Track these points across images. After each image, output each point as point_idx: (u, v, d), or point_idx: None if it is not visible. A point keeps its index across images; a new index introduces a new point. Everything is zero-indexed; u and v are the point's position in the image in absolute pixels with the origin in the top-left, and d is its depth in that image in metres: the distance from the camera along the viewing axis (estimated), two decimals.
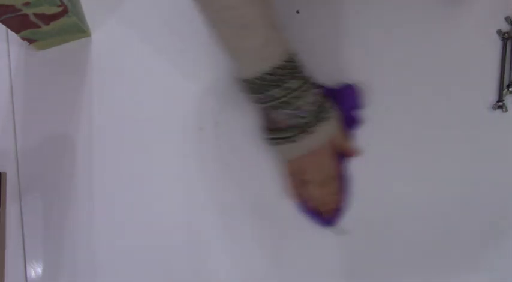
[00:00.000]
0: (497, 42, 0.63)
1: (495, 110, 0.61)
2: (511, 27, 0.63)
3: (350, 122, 0.60)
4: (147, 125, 0.63)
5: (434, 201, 0.59)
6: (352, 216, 0.59)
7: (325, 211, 0.58)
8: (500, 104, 0.61)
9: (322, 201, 0.58)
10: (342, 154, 0.59)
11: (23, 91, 0.65)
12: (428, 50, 0.63)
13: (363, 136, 0.61)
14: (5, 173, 0.62)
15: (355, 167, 0.60)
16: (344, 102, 0.59)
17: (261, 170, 0.61)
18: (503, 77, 0.62)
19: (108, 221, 0.61)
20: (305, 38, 0.64)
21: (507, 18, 0.63)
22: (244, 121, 0.62)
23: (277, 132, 0.56)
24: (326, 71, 0.61)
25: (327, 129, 0.55)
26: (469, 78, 0.62)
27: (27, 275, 0.60)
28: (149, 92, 0.64)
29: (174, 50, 0.65)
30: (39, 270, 0.60)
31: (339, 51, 0.63)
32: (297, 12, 0.65)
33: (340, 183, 0.58)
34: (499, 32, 0.63)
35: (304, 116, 0.53)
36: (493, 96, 0.62)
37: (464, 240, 0.58)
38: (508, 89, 0.61)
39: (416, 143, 0.61)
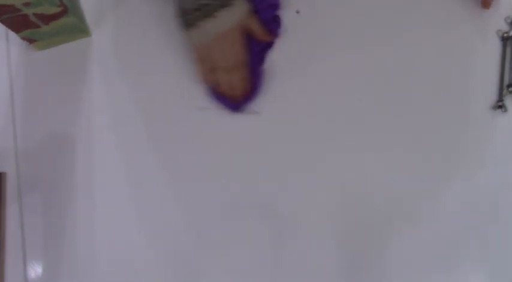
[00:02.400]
0: (497, 42, 0.63)
1: (495, 110, 0.61)
2: (511, 27, 0.63)
3: (268, 18, 0.60)
4: (147, 125, 0.63)
5: (434, 201, 0.59)
6: (352, 216, 0.59)
7: (233, 96, 0.59)
8: (500, 104, 0.61)
9: (230, 87, 0.58)
10: (256, 40, 0.59)
11: (23, 91, 0.65)
12: (428, 50, 0.63)
13: (364, 134, 0.61)
14: (5, 173, 0.62)
15: (356, 167, 0.60)
16: (262, 8, 0.60)
17: (261, 170, 0.61)
18: (503, 77, 0.62)
19: (108, 220, 0.61)
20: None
21: (507, 18, 0.63)
22: (243, 120, 0.62)
23: (183, 17, 0.56)
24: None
25: (233, 14, 0.55)
26: (469, 78, 0.62)
27: (27, 275, 0.60)
28: (149, 92, 0.64)
29: (174, 50, 0.65)
30: (39, 270, 0.60)
31: (337, 50, 0.64)
32: (297, 12, 0.65)
33: (249, 68, 0.59)
34: (499, 32, 0.63)
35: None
36: (493, 96, 0.62)
37: (464, 240, 0.58)
38: (508, 89, 0.61)
39: (416, 143, 0.61)
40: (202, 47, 0.57)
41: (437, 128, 0.61)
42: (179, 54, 0.64)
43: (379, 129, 0.61)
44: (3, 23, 0.58)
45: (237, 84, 0.59)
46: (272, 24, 0.61)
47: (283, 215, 0.60)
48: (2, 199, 0.61)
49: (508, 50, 0.62)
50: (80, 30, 0.65)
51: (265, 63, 0.60)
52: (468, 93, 0.62)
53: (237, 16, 0.56)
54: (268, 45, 0.62)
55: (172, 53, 0.65)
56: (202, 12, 0.54)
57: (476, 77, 0.62)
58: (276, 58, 0.63)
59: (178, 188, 0.61)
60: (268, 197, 0.60)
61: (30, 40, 0.63)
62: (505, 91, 0.61)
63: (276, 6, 0.61)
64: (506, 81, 0.62)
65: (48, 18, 0.60)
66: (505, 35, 0.63)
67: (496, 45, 0.63)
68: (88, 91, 0.64)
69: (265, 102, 0.62)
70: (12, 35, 0.63)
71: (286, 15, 0.65)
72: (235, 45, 0.57)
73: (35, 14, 0.58)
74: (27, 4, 0.56)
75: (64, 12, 0.60)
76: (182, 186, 0.61)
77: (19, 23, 0.59)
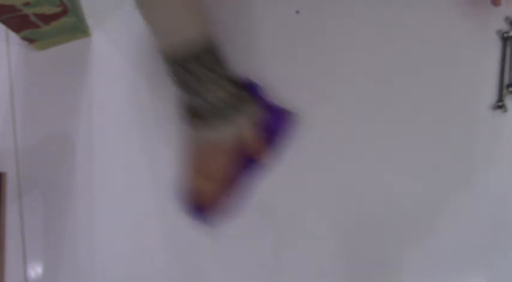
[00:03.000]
0: (497, 42, 0.63)
1: (495, 110, 0.61)
2: (511, 27, 0.63)
3: (272, 140, 0.59)
4: (147, 125, 0.63)
5: (434, 201, 0.59)
6: (352, 216, 0.59)
7: (201, 204, 0.58)
8: (500, 104, 0.61)
9: (201, 193, 0.57)
10: (251, 158, 0.58)
11: (23, 91, 0.65)
12: (428, 50, 0.63)
13: (364, 134, 0.61)
14: (5, 173, 0.62)
15: (356, 167, 0.60)
16: (275, 122, 0.59)
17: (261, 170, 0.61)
18: (503, 77, 0.62)
19: (108, 221, 0.61)
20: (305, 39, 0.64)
21: (507, 18, 0.63)
22: None
23: (187, 115, 0.56)
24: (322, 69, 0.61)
25: (231, 130, 0.55)
26: (469, 78, 0.62)
27: (27, 275, 0.60)
28: (149, 92, 0.64)
29: None
30: (39, 270, 0.60)
31: (337, 51, 0.64)
32: (297, 12, 0.65)
33: (230, 184, 0.58)
34: (499, 32, 0.63)
35: (209, 108, 0.53)
36: (493, 96, 0.62)
37: (465, 240, 0.58)
38: (508, 89, 0.61)
39: (416, 142, 0.61)
40: (194, 147, 0.57)
41: (437, 128, 0.61)
42: None
43: (379, 129, 0.61)
44: (3, 23, 0.59)
45: (209, 194, 0.58)
46: (273, 145, 0.59)
47: (283, 214, 0.60)
48: (2, 199, 0.61)
49: (508, 50, 0.62)
50: (80, 30, 0.65)
51: (249, 181, 0.59)
52: (468, 93, 0.62)
53: (237, 132, 0.55)
54: (259, 163, 0.59)
55: None
56: (202, 119, 0.54)
57: (476, 77, 0.62)
58: (277, 58, 0.63)
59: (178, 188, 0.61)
60: (268, 196, 0.60)
61: (30, 40, 0.63)
62: (505, 91, 0.61)
63: (284, 132, 0.60)
64: (506, 81, 0.62)
65: (48, 18, 0.60)
66: (505, 35, 0.63)
67: (496, 45, 0.63)
68: (88, 91, 0.64)
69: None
70: (12, 35, 0.63)
71: (286, 15, 0.65)
72: (224, 157, 0.56)
73: (35, 14, 0.58)
74: (27, 4, 0.56)
75: (64, 12, 0.60)
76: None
77: (19, 23, 0.59)
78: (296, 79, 0.63)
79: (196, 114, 0.55)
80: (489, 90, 0.62)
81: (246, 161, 0.58)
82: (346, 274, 0.58)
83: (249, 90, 0.57)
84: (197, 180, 0.58)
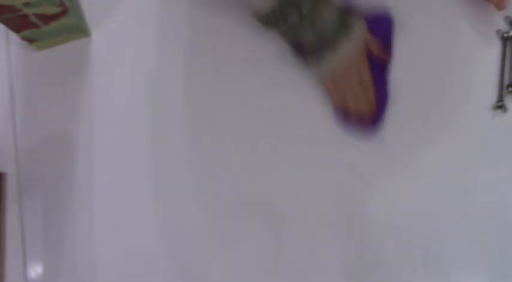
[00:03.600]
0: (497, 42, 0.63)
1: (495, 110, 0.61)
2: (511, 27, 0.63)
3: (383, 38, 0.61)
4: (146, 125, 0.63)
5: (434, 201, 0.59)
6: (352, 216, 0.59)
7: (363, 119, 0.59)
8: (500, 104, 0.61)
9: (360, 111, 0.59)
10: (377, 61, 0.60)
11: (23, 91, 0.65)
12: (428, 50, 0.63)
13: (365, 143, 0.61)
14: (5, 173, 0.62)
15: (356, 168, 0.60)
16: (380, 24, 0.61)
17: (261, 170, 0.61)
18: (503, 77, 0.62)
19: (108, 221, 0.61)
20: None
21: (507, 18, 0.63)
22: (246, 120, 0.62)
23: (307, 55, 0.58)
24: None
25: (353, 41, 0.56)
26: (469, 78, 0.62)
27: (27, 275, 0.60)
28: (149, 92, 0.64)
29: (175, 49, 0.65)
30: (39, 270, 0.60)
31: None
32: None
33: (375, 90, 0.59)
34: (499, 32, 0.63)
35: (325, 32, 0.55)
36: (493, 96, 0.62)
37: (465, 240, 0.58)
38: (508, 89, 0.61)
39: (415, 142, 0.61)
40: (330, 79, 0.59)
41: (437, 128, 0.61)
42: (178, 54, 0.64)
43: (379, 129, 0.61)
44: (3, 23, 0.59)
45: (366, 107, 0.59)
46: (387, 43, 0.61)
47: (283, 214, 0.60)
48: (2, 199, 0.61)
49: (508, 50, 0.62)
50: (80, 30, 0.65)
51: (388, 82, 0.61)
52: (468, 93, 0.61)
53: (358, 42, 0.57)
54: (387, 64, 0.61)
55: (172, 53, 0.65)
56: (324, 45, 0.56)
57: (476, 77, 0.62)
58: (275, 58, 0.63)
59: (178, 188, 0.61)
60: (268, 196, 0.60)
61: (30, 40, 0.63)
62: (505, 91, 0.61)
63: (390, 27, 0.62)
64: (506, 81, 0.62)
65: (48, 18, 0.60)
66: (505, 35, 0.62)
67: (496, 45, 0.63)
68: (88, 91, 0.64)
69: (265, 101, 0.62)
70: (12, 35, 0.63)
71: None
72: (360, 71, 0.58)
73: (35, 14, 0.58)
74: (27, 4, 0.56)
75: (64, 12, 0.60)
76: (182, 186, 0.61)
77: (19, 23, 0.59)
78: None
79: (314, 49, 0.56)
80: (489, 90, 0.62)
81: (375, 65, 0.60)
82: (346, 274, 0.58)
83: (348, 8, 0.59)
84: (350, 102, 0.59)
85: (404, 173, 0.60)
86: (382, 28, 0.61)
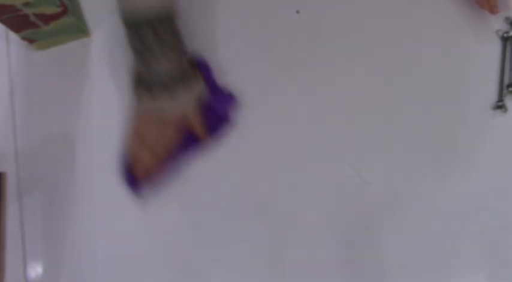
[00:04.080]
0: (497, 42, 0.63)
1: (495, 110, 0.61)
2: (511, 27, 0.63)
3: (214, 121, 0.60)
4: None
5: (434, 201, 0.59)
6: (352, 216, 0.59)
7: (135, 173, 0.58)
8: (500, 104, 0.61)
9: (138, 162, 0.58)
10: (191, 135, 0.58)
11: (23, 91, 0.65)
12: (428, 50, 0.63)
13: (363, 133, 0.61)
14: (5, 173, 0.62)
15: (355, 166, 0.60)
16: (220, 104, 0.59)
17: (261, 169, 0.61)
18: (503, 77, 0.62)
19: (108, 220, 0.61)
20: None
21: (507, 18, 0.63)
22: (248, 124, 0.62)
23: (135, 84, 0.56)
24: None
25: (175, 104, 0.55)
26: (469, 78, 0.62)
27: (27, 275, 0.60)
28: None
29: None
30: (39, 270, 0.60)
31: (337, 51, 0.64)
32: (297, 12, 0.65)
33: (167, 157, 0.58)
34: (499, 32, 0.63)
35: (155, 79, 0.54)
36: (493, 96, 0.62)
37: (465, 240, 0.58)
38: (508, 89, 0.61)
39: (415, 142, 0.61)
40: (140, 117, 0.57)
41: (437, 128, 0.61)
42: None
43: (379, 128, 0.61)
44: (3, 23, 0.58)
45: (147, 166, 0.58)
46: (216, 124, 0.60)
47: (283, 214, 0.60)
48: (2, 199, 0.61)
49: (508, 50, 0.62)
50: (80, 30, 0.65)
51: (185, 158, 0.60)
52: (468, 93, 0.62)
53: (188, 99, 0.56)
54: (199, 141, 0.60)
55: None
56: (163, 83, 0.54)
57: (476, 77, 0.62)
58: (277, 56, 0.63)
59: (178, 188, 0.61)
60: (268, 196, 0.60)
61: (30, 40, 0.63)
62: (505, 91, 0.61)
63: (225, 116, 0.60)
64: (506, 81, 0.62)
65: (48, 18, 0.60)
66: (505, 35, 0.63)
67: (496, 45, 0.63)
68: (88, 91, 0.64)
69: (265, 100, 0.62)
70: (12, 35, 0.63)
71: (286, 15, 0.65)
72: (168, 131, 0.57)
73: (35, 14, 0.58)
74: (27, 4, 0.56)
75: (64, 12, 0.60)
76: (182, 185, 0.61)
77: (19, 23, 0.59)
78: (296, 78, 0.63)
79: (142, 84, 0.55)
80: (489, 90, 0.62)
81: (186, 138, 0.59)
82: (346, 274, 0.58)
83: (199, 68, 0.58)
84: (136, 149, 0.58)
85: (405, 173, 0.60)
86: (219, 107, 0.59)
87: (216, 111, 0.59)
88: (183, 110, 0.56)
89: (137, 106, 0.57)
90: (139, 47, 0.54)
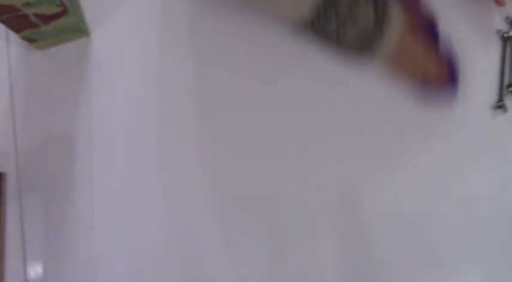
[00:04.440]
0: (497, 42, 0.63)
1: (495, 110, 0.61)
2: (511, 27, 0.63)
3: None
4: (147, 125, 0.63)
5: (434, 201, 0.59)
6: (352, 216, 0.59)
7: (439, 82, 0.59)
8: (500, 104, 0.61)
9: (433, 75, 0.58)
10: (424, 26, 0.59)
11: (23, 91, 0.65)
12: None
13: (365, 142, 0.61)
14: (5, 173, 0.62)
15: (355, 167, 0.60)
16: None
17: (261, 169, 0.61)
18: (503, 77, 0.62)
19: (108, 221, 0.61)
20: None
21: (507, 18, 0.63)
22: (243, 119, 0.62)
23: (354, 51, 0.57)
24: None
25: (395, 25, 0.56)
26: (469, 78, 0.62)
27: (27, 275, 0.60)
28: (149, 92, 0.64)
29: (174, 49, 0.65)
30: (39, 270, 0.60)
31: None
32: None
33: (437, 52, 0.59)
34: (499, 32, 0.63)
35: (367, 28, 0.55)
36: (493, 96, 0.62)
37: (464, 240, 0.58)
38: (508, 89, 0.61)
39: (415, 142, 0.61)
40: (391, 61, 0.58)
41: (437, 128, 0.61)
42: (179, 54, 0.64)
43: (379, 128, 0.61)
44: (3, 23, 0.58)
45: (439, 70, 0.59)
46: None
47: (283, 214, 0.60)
48: (2, 199, 0.61)
49: (508, 50, 0.62)
50: (80, 30, 0.65)
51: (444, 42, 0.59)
52: (468, 93, 0.61)
53: (399, 22, 0.56)
54: (434, 25, 0.59)
55: (172, 53, 0.65)
56: (370, 39, 0.56)
57: (476, 77, 0.62)
58: (278, 56, 0.63)
59: (178, 188, 0.61)
60: (268, 196, 0.60)
61: (30, 40, 0.63)
62: (505, 91, 0.61)
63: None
64: (506, 81, 0.62)
65: (48, 18, 0.60)
66: (505, 35, 0.63)
67: (496, 45, 0.63)
68: (88, 91, 0.64)
69: (267, 101, 0.62)
70: (12, 35, 0.63)
71: None
72: (415, 40, 0.57)
73: (35, 14, 0.58)
74: (27, 4, 0.56)
75: (64, 12, 0.60)
76: (182, 185, 0.61)
77: (19, 23, 0.59)
78: (298, 78, 0.63)
79: (366, 42, 0.56)
80: (489, 90, 0.62)
81: (426, 31, 0.58)
82: (346, 274, 0.58)
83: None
84: (419, 69, 0.58)
85: (405, 172, 0.60)
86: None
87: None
88: (402, 23, 0.57)
89: (377, 57, 0.58)
90: (335, 24, 0.54)
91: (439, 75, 0.59)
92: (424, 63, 0.59)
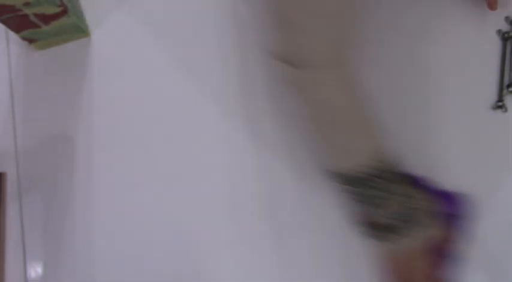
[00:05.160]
0: (497, 42, 0.63)
1: (495, 110, 0.61)
2: (511, 27, 0.63)
3: (454, 224, 0.57)
4: (146, 125, 0.63)
5: None
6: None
7: None
8: (500, 104, 0.61)
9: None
10: (444, 250, 0.57)
11: (23, 91, 0.65)
12: (428, 50, 0.63)
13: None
14: (5, 173, 0.62)
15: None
16: (451, 206, 0.57)
17: (262, 169, 0.61)
18: (503, 77, 0.62)
19: (107, 221, 0.61)
20: None
21: (507, 18, 0.63)
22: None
23: (377, 230, 0.55)
24: None
25: (420, 232, 0.55)
26: (469, 78, 0.62)
27: (27, 275, 0.60)
28: (149, 92, 0.64)
29: (174, 49, 0.65)
30: (39, 270, 0.60)
31: None
32: None
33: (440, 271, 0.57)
34: (499, 32, 0.63)
35: (397, 218, 0.53)
36: (493, 96, 0.62)
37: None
38: (508, 89, 0.61)
39: (415, 142, 0.61)
40: (394, 258, 0.57)
41: (437, 128, 0.61)
42: (179, 54, 0.64)
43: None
44: (3, 23, 0.59)
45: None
46: (457, 228, 0.57)
47: (283, 214, 0.60)
48: (2, 199, 0.61)
49: (508, 50, 0.62)
50: (80, 30, 0.65)
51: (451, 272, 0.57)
52: (468, 93, 0.62)
53: (428, 223, 0.55)
54: (453, 252, 0.57)
55: (172, 53, 0.65)
56: (396, 231, 0.54)
57: (476, 77, 0.62)
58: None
59: (178, 188, 0.61)
60: (268, 196, 0.60)
61: (30, 40, 0.63)
62: (505, 91, 0.61)
63: (462, 211, 0.58)
64: (506, 81, 0.62)
65: (48, 18, 0.60)
66: (505, 35, 0.63)
67: (496, 45, 0.63)
68: (88, 91, 0.64)
69: (266, 101, 0.62)
70: (12, 35, 0.63)
71: None
72: (425, 259, 0.56)
73: (35, 14, 0.58)
74: (27, 4, 0.56)
75: (64, 12, 0.60)
76: (182, 185, 0.61)
77: (19, 23, 0.59)
78: None
79: (385, 228, 0.54)
80: (489, 90, 0.62)
81: (441, 255, 0.57)
82: (346, 274, 0.58)
83: (415, 184, 0.56)
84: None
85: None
86: (452, 209, 0.57)
87: (451, 214, 0.57)
88: (428, 233, 0.55)
89: (387, 249, 0.56)
90: (371, 196, 0.53)
91: None
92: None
